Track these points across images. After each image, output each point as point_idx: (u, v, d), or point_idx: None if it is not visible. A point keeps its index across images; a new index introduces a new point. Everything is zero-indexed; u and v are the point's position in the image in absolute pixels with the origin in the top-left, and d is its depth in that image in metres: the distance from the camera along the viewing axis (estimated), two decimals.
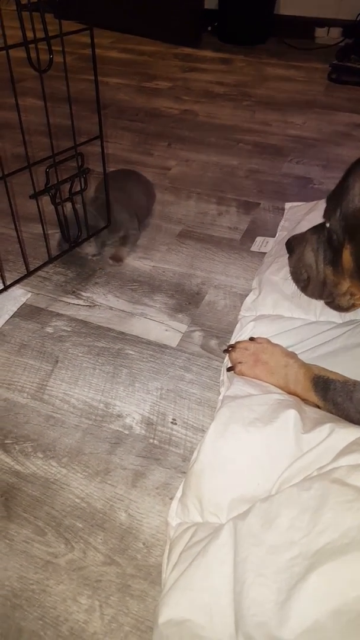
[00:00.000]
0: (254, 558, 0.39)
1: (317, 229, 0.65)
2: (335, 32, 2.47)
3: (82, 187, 0.85)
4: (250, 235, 1.02)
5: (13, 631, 0.45)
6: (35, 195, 0.76)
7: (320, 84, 1.85)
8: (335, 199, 0.58)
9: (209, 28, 2.56)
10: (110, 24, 2.46)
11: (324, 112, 1.59)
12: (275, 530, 0.40)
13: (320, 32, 2.51)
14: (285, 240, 0.73)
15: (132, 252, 0.96)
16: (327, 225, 0.60)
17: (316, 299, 0.69)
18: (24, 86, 0.72)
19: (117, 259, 0.93)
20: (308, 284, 0.67)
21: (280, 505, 0.42)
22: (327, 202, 0.61)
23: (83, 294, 0.86)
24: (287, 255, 0.71)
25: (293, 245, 0.69)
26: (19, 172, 0.75)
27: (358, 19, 2.33)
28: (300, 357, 0.68)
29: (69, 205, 0.87)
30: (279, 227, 1.01)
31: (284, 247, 0.89)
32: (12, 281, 0.82)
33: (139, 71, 1.94)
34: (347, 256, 0.59)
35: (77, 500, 0.56)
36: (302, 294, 0.69)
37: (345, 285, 0.63)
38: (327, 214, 0.60)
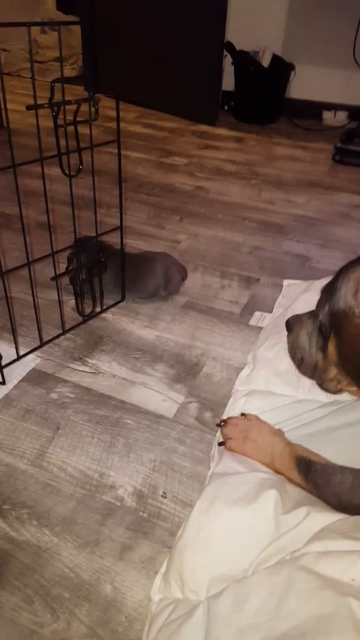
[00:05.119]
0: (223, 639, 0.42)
1: (313, 314, 0.70)
2: (342, 115, 2.66)
3: (101, 270, 0.94)
4: (249, 309, 1.08)
5: None
6: (56, 278, 0.84)
7: (324, 165, 1.98)
8: (327, 294, 0.64)
9: (226, 107, 2.78)
10: (136, 98, 2.70)
11: (326, 192, 1.70)
12: (244, 613, 0.43)
13: (327, 115, 2.70)
14: (283, 318, 0.78)
15: (133, 319, 1.03)
16: (319, 316, 0.65)
17: (308, 378, 0.74)
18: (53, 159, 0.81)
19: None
20: (302, 364, 0.72)
21: (252, 588, 0.45)
22: (321, 293, 0.67)
23: (89, 360, 0.92)
24: (286, 332, 0.76)
25: (291, 324, 0.75)
26: (43, 259, 0.84)
27: None
28: (287, 434, 0.72)
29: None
30: (276, 304, 1.07)
31: (280, 323, 0.96)
32: (25, 351, 0.89)
33: (159, 146, 2.11)
34: (331, 349, 0.64)
35: (66, 570, 0.58)
36: (296, 370, 0.74)
37: (333, 372, 0.67)
38: (319, 306, 0.66)
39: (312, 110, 2.71)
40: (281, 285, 1.15)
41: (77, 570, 0.58)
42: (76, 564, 0.59)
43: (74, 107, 0.75)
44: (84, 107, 0.75)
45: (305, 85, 2.70)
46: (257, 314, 1.07)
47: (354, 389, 0.63)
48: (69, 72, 3.19)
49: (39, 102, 0.69)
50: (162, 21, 2.45)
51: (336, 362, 0.63)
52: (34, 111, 0.69)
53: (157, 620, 0.52)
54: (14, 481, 0.68)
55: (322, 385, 0.70)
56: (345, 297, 0.58)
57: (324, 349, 0.66)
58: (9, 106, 0.69)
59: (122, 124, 0.86)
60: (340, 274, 0.62)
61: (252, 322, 1.04)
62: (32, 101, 0.69)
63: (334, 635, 0.38)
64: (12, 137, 0.71)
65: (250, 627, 0.42)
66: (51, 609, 0.55)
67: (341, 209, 1.57)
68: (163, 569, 0.57)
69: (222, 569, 0.54)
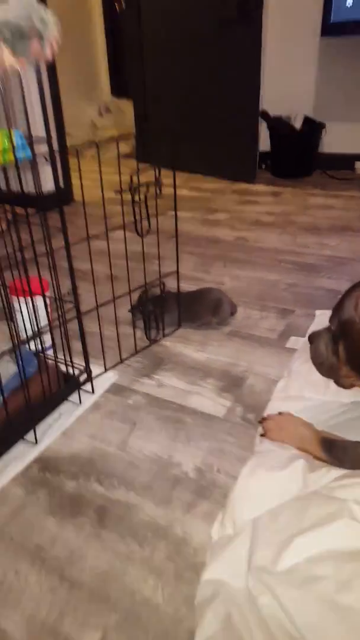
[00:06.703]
0: (263, 537, 0.61)
1: (328, 327, 0.91)
2: None
3: (163, 305, 1.21)
4: (285, 335, 1.28)
5: (103, 596, 0.68)
6: (132, 310, 1.11)
7: (356, 210, 2.20)
8: (336, 310, 0.85)
9: (263, 166, 3.10)
10: (182, 166, 3.08)
11: (356, 234, 1.91)
12: (278, 521, 0.62)
13: (359, 165, 2.94)
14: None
15: (184, 342, 1.26)
16: (332, 328, 0.86)
17: (327, 377, 0.93)
18: (117, 222, 1.06)
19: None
20: (321, 366, 0.92)
21: (283, 508, 0.64)
22: (333, 310, 0.88)
23: (155, 376, 1.15)
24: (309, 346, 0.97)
25: (312, 338, 0.96)
26: (122, 296, 1.12)
27: None
28: (315, 426, 0.91)
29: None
30: (309, 330, 1.27)
31: None
32: (109, 366, 1.14)
33: (203, 206, 2.42)
34: (341, 350, 0.84)
35: (147, 518, 0.79)
36: (322, 377, 0.94)
37: (345, 370, 0.86)
38: (331, 320, 0.87)
39: (345, 162, 2.96)
40: (314, 315, 1.35)
41: (155, 519, 0.79)
42: (155, 515, 0.79)
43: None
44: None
45: (336, 140, 2.97)
46: (292, 338, 1.27)
47: None
48: (124, 147, 3.68)
49: (101, 175, 0.98)
50: (203, 97, 2.85)
51: (345, 362, 0.83)
52: (99, 186, 0.97)
53: (216, 546, 0.71)
54: (106, 460, 0.91)
55: (338, 382, 0.89)
56: (349, 310, 0.79)
57: (336, 352, 0.85)
58: (74, 181, 0.99)
59: (172, 189, 1.14)
60: (346, 294, 0.83)
61: (289, 345, 1.25)
62: (92, 177, 0.99)
63: (336, 521, 0.56)
64: (80, 207, 1.00)
65: (282, 529, 0.61)
66: (139, 543, 0.75)
67: None
68: (220, 518, 0.77)
69: (263, 512, 0.73)
